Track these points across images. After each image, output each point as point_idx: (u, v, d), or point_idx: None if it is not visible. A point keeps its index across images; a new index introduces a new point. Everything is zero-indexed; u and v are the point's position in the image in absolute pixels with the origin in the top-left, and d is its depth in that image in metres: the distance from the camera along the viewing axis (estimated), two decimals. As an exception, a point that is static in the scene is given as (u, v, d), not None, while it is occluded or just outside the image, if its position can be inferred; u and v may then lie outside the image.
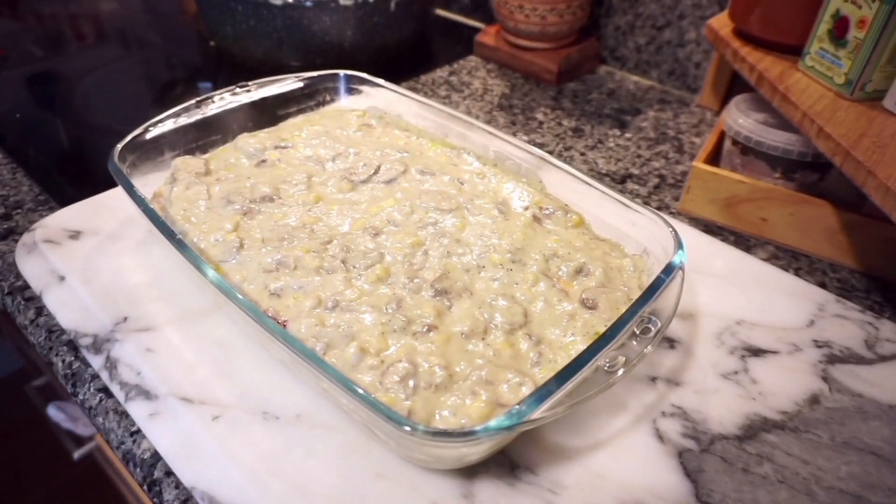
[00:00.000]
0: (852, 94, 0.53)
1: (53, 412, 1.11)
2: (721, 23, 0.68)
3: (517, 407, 0.32)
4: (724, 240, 0.58)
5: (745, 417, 0.42)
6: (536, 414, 0.32)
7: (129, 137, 0.51)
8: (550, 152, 0.69)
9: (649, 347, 0.38)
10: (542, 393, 0.33)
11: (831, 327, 0.48)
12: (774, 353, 0.46)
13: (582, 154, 0.70)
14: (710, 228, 0.60)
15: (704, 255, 0.54)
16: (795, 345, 0.47)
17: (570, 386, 0.34)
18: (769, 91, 0.57)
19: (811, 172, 0.57)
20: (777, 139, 0.56)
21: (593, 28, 0.89)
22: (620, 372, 0.36)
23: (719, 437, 0.40)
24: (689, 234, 0.57)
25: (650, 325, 0.39)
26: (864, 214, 0.53)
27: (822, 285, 0.54)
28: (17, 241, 0.54)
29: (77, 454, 1.03)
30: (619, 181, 0.66)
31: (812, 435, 0.41)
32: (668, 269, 0.41)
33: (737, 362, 0.45)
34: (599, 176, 0.66)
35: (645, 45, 0.84)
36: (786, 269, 0.55)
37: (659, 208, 0.62)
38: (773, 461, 0.39)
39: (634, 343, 0.39)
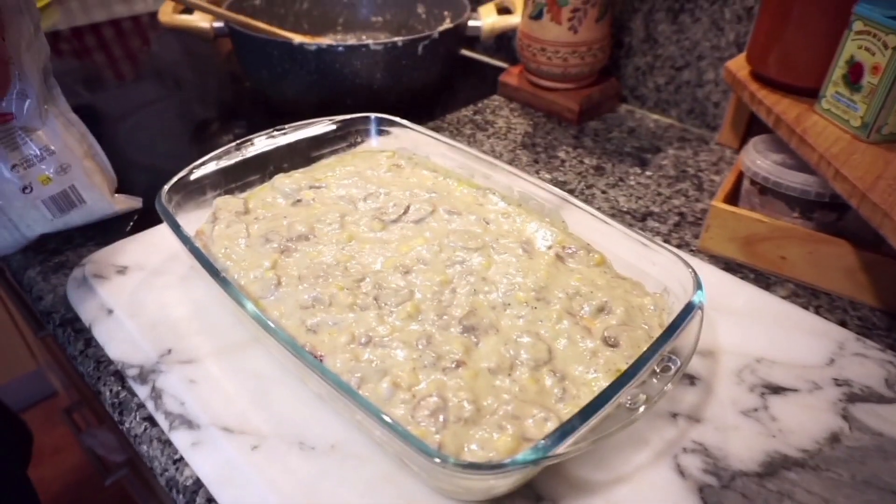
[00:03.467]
0: (868, 137, 0.55)
1: (86, 438, 1.14)
2: (738, 65, 0.70)
3: (542, 442, 0.34)
4: (744, 277, 0.59)
5: (765, 454, 0.42)
6: (561, 449, 0.34)
7: (174, 179, 0.54)
8: (572, 190, 0.71)
9: (669, 385, 0.39)
10: (567, 428, 0.35)
11: (851, 366, 0.49)
12: (794, 390, 0.47)
13: (603, 192, 0.72)
14: (729, 266, 0.61)
15: (724, 292, 0.56)
16: (815, 383, 0.48)
17: (593, 422, 0.36)
18: (786, 133, 0.59)
19: (829, 212, 0.58)
20: (795, 180, 0.57)
21: (614, 68, 0.91)
22: (642, 409, 0.38)
23: (740, 474, 0.41)
24: (708, 271, 0.59)
25: (670, 364, 0.41)
26: (884, 254, 0.54)
27: (843, 323, 0.54)
28: (67, 275, 0.58)
29: (109, 480, 1.06)
30: (639, 219, 0.68)
31: (832, 473, 0.41)
32: (688, 309, 0.42)
33: (756, 399, 0.46)
34: (620, 214, 0.68)
35: (664, 84, 0.87)
36: (806, 307, 0.56)
37: (679, 246, 0.64)
38: (793, 499, 0.40)
39: (655, 381, 0.40)
